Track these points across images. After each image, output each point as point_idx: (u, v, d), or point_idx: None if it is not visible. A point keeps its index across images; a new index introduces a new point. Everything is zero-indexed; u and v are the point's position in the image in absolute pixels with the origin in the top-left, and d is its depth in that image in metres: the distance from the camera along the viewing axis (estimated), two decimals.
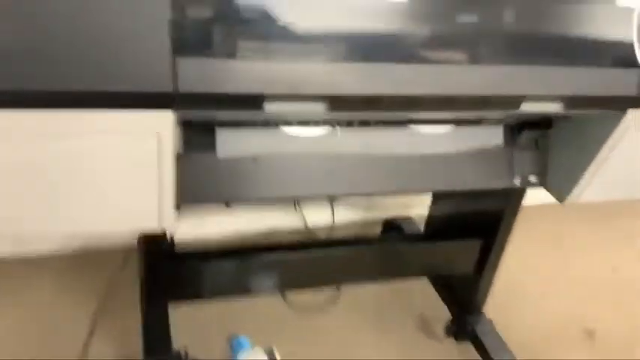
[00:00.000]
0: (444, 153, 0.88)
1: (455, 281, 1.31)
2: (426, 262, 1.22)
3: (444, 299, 1.35)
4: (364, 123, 0.83)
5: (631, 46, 0.69)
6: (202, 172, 0.77)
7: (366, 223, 1.61)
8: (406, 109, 0.69)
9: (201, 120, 0.75)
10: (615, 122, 0.78)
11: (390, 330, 1.27)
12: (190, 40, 0.57)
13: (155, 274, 1.02)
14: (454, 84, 0.65)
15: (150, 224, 0.69)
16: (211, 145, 0.77)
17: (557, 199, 0.91)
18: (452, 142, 0.88)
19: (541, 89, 0.69)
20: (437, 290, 1.37)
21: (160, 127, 0.61)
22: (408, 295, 1.36)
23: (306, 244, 1.36)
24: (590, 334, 1.34)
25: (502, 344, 1.18)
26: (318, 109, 0.64)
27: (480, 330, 1.20)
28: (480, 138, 0.90)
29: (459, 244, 1.18)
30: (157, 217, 0.68)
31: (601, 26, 0.68)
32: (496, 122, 0.90)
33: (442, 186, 0.90)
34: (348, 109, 0.66)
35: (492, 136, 0.91)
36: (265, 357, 1.10)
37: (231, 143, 0.78)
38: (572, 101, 0.72)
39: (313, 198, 1.41)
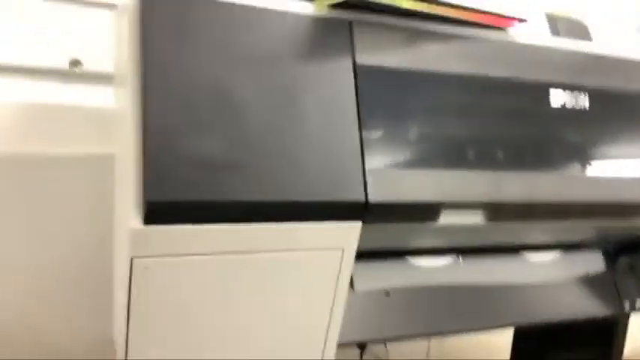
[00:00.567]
0: (558, 280, 0.88)
1: None
2: None
3: None
4: (481, 251, 0.85)
5: None
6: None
7: None
8: (559, 217, 0.72)
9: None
10: None
11: None
12: (378, 150, 0.60)
13: None
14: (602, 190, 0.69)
15: (313, 356, 0.63)
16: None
17: None
18: (561, 269, 0.89)
19: None
20: None
21: (345, 242, 0.60)
22: None
23: None
24: None
25: None
26: (478, 219, 0.66)
27: None
28: (584, 264, 0.92)
29: None
30: (322, 349, 0.63)
31: None
32: (595, 247, 0.93)
33: (557, 316, 0.89)
34: (506, 218, 0.68)
35: (594, 262, 0.93)
36: None
37: (366, 276, 0.76)
38: None
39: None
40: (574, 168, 0.70)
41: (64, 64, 1.10)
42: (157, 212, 0.52)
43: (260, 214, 0.55)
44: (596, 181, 0.71)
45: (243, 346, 0.60)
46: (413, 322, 0.79)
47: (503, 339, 1.29)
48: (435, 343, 1.32)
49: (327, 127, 0.58)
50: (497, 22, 0.70)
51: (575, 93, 0.72)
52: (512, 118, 0.68)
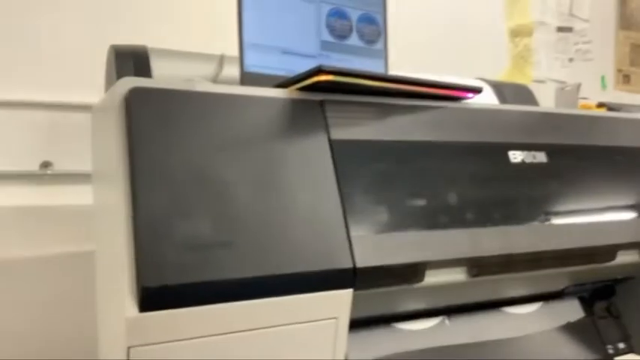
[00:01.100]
0: (542, 331, 0.90)
1: None
2: None
3: None
4: (466, 309, 0.86)
5: None
6: None
7: None
8: (535, 267, 0.75)
9: None
10: None
11: None
12: (360, 218, 0.62)
13: None
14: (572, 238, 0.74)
15: None
16: None
17: None
18: (543, 319, 0.92)
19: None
20: None
21: (338, 311, 0.61)
22: None
23: None
24: None
25: None
26: (461, 276, 0.69)
27: None
28: (564, 313, 0.94)
29: None
30: None
31: None
32: (573, 296, 0.96)
33: None
34: (487, 272, 0.71)
35: (573, 310, 0.96)
36: None
37: (358, 346, 0.77)
38: None
39: None
40: (545, 219, 0.74)
41: (34, 166, 1.11)
42: (153, 297, 0.52)
43: (254, 290, 0.56)
44: (567, 229, 0.75)
45: None
46: None
47: None
48: None
49: (310, 200, 0.61)
50: (456, 93, 0.76)
51: (533, 150, 0.78)
52: (481, 178, 0.72)
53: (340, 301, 0.61)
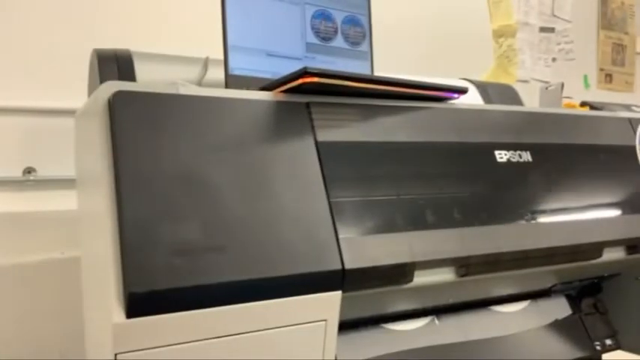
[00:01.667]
0: (530, 329, 0.91)
1: None
2: None
3: None
4: (455, 309, 0.87)
5: None
6: None
7: None
8: (523, 265, 0.75)
9: None
10: None
11: None
12: (348, 219, 0.62)
13: None
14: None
15: None
16: None
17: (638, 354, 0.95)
18: (531, 317, 0.92)
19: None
20: None
21: (328, 313, 0.61)
22: None
23: None
24: None
25: None
26: (450, 276, 0.69)
27: None
28: (552, 310, 0.95)
29: None
30: None
31: None
32: (560, 294, 0.97)
33: None
34: (475, 272, 0.71)
35: (561, 308, 0.96)
36: None
37: (348, 347, 0.76)
38: None
39: None
40: (531, 217, 0.75)
41: (17, 172, 1.09)
42: (140, 303, 0.51)
43: (242, 294, 0.56)
44: (553, 227, 0.76)
45: None
46: None
47: None
48: None
49: (298, 202, 0.60)
50: (441, 94, 0.76)
51: (519, 150, 0.78)
52: (468, 178, 0.73)
53: (329, 303, 0.61)
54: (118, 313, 0.51)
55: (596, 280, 0.99)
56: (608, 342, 0.97)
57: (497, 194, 0.74)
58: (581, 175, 0.82)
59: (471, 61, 1.65)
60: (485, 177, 0.74)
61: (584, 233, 0.77)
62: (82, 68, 0.91)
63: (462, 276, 0.70)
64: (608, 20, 2.16)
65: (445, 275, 0.70)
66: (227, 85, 0.76)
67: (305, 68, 0.63)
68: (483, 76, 1.68)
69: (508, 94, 1.19)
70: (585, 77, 2.07)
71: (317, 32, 0.84)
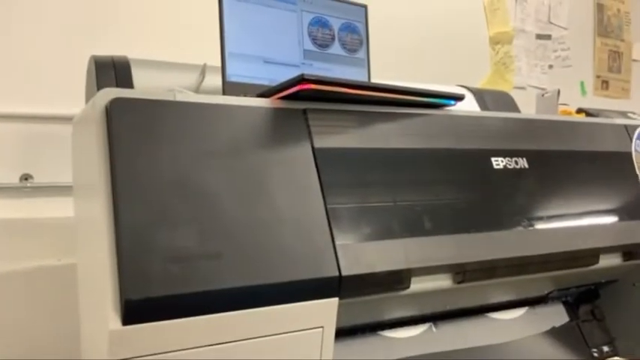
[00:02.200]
0: (527, 336, 0.91)
1: None
2: None
3: None
4: (452, 316, 0.86)
5: None
6: None
7: None
8: (519, 272, 0.75)
9: None
10: None
11: None
12: (345, 226, 0.62)
13: None
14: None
15: None
16: None
17: None
18: (529, 325, 0.92)
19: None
20: None
21: (325, 320, 0.61)
22: None
23: None
24: None
25: None
26: (447, 282, 0.69)
27: None
28: (549, 317, 0.95)
29: None
30: None
31: None
32: (557, 300, 0.96)
33: None
34: (472, 278, 0.71)
35: (558, 315, 0.96)
36: None
37: (345, 355, 0.76)
38: None
39: None
40: (528, 224, 0.75)
41: (14, 179, 1.09)
42: (136, 310, 0.51)
43: (239, 301, 0.56)
44: (550, 233, 0.76)
45: None
46: None
47: None
48: None
49: (295, 209, 0.60)
50: (438, 101, 0.76)
51: (515, 157, 0.79)
52: (465, 184, 0.73)
53: (326, 310, 0.60)
54: (114, 320, 0.51)
55: (593, 287, 0.99)
56: (606, 349, 0.97)
57: (494, 201, 0.74)
58: (578, 181, 0.83)
59: (467, 68, 1.66)
60: (482, 184, 0.75)
61: (581, 239, 0.77)
62: (79, 75, 0.91)
63: (459, 283, 0.70)
64: (605, 27, 2.17)
65: (442, 282, 0.70)
66: (224, 92, 0.76)
67: (302, 75, 0.63)
68: (480, 83, 1.68)
69: (504, 101, 1.20)
70: (582, 84, 2.08)
71: (314, 39, 0.85)
